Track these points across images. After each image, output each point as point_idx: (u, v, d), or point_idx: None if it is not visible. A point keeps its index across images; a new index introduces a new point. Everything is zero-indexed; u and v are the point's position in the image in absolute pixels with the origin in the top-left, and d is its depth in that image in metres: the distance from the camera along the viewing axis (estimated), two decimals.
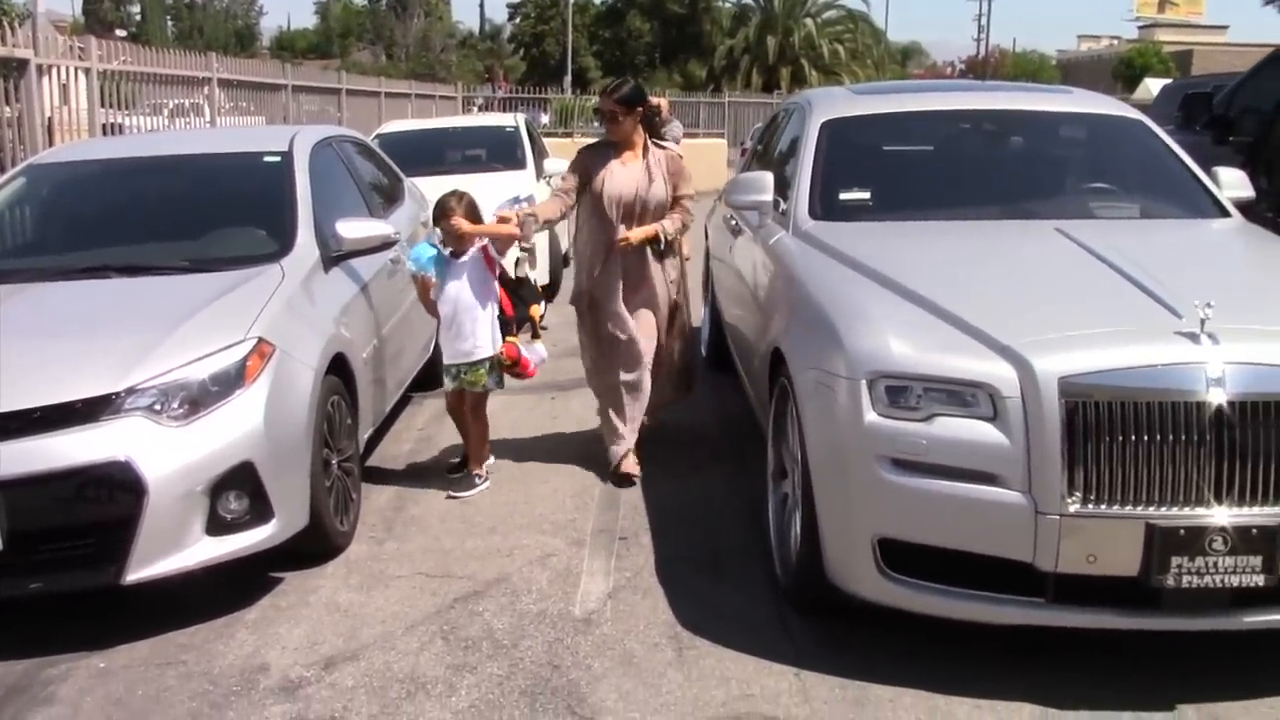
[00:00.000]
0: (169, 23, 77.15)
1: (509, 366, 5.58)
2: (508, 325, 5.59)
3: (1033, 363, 3.55)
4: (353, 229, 5.45)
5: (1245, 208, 5.43)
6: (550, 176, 11.42)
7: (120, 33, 54.78)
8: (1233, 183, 5.39)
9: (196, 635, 4.21)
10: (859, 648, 3.95)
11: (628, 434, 5.78)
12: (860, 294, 4.20)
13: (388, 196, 7.03)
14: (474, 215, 5.51)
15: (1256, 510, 3.46)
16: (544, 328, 5.31)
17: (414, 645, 4.10)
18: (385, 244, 5.65)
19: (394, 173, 7.52)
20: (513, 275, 6.14)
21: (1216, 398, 3.45)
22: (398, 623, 4.28)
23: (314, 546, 4.71)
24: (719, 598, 4.41)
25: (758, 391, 5.16)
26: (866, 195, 5.31)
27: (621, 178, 5.61)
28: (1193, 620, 3.59)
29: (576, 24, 59.43)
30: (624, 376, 5.74)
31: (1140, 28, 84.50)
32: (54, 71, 8.18)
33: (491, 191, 10.34)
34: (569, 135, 25.30)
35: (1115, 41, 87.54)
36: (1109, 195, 5.42)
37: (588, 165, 5.68)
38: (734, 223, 6.54)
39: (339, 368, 4.96)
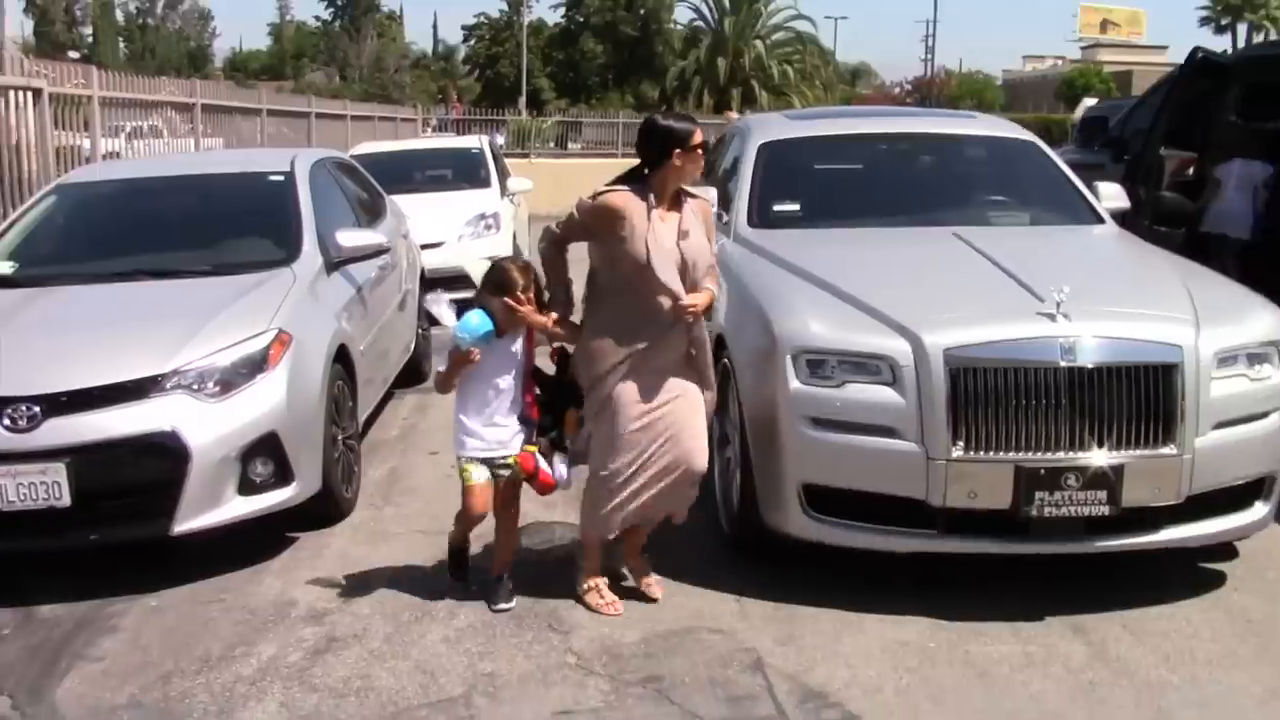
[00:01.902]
0: (121, 44, 77.23)
1: (526, 478, 4.63)
2: (530, 429, 4.64)
3: (923, 338, 4.41)
4: (350, 238, 6.24)
5: (1126, 216, 6.37)
6: (514, 194, 12.28)
7: (73, 54, 54.88)
8: (1110, 195, 6.32)
9: (231, 580, 4.96)
10: (791, 581, 4.75)
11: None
12: (788, 287, 5.05)
13: (373, 211, 7.81)
14: (539, 291, 4.61)
15: (1102, 454, 4.33)
16: (571, 440, 4.65)
17: (419, 584, 4.88)
18: (378, 251, 6.45)
19: (376, 190, 8.31)
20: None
21: (1069, 364, 4.32)
22: (402, 567, 5.06)
23: (324, 510, 5.47)
24: (673, 545, 5.18)
25: None
26: (797, 207, 6.17)
27: (664, 234, 4.41)
28: (1054, 545, 4.47)
29: (531, 46, 60.33)
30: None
31: (1083, 48, 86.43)
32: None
33: (459, 208, 11.24)
34: (525, 156, 26.14)
35: (1059, 62, 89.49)
36: (1003, 206, 6.33)
37: (624, 217, 4.38)
38: None
39: (342, 357, 5.74)
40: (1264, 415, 4.61)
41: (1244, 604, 4.62)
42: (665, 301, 4.38)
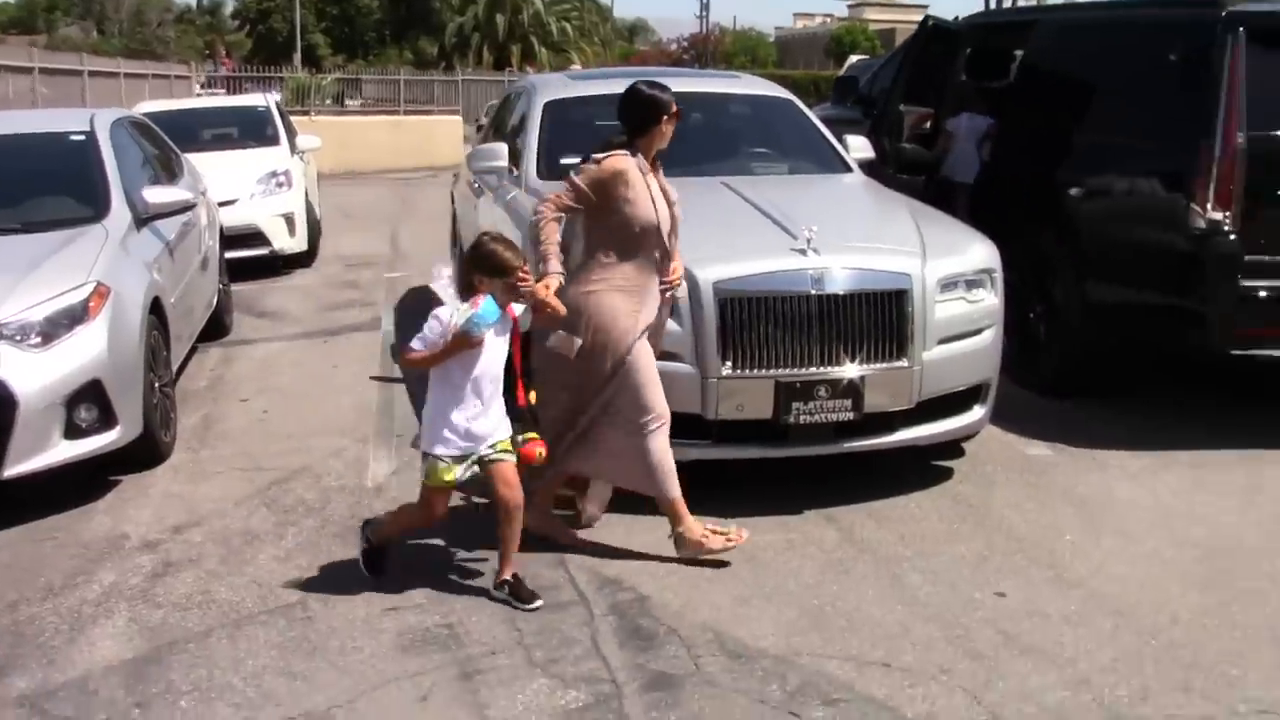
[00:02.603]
0: None
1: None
2: (520, 416, 4.51)
3: (696, 273, 5.05)
4: (158, 195, 6.50)
5: (872, 165, 7.20)
6: (303, 152, 12.45)
7: None
8: (857, 146, 7.13)
9: (62, 520, 5.25)
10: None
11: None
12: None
13: (170, 170, 8.00)
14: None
15: (847, 368, 5.08)
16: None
17: (243, 513, 5.29)
18: (185, 208, 6.71)
19: (172, 148, 8.47)
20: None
21: (818, 292, 5.05)
22: (226, 501, 5.44)
23: (145, 453, 5.77)
24: None
25: None
26: (580, 159, 6.71)
27: (658, 196, 4.70)
28: (809, 448, 5.22)
29: (304, 0, 58.85)
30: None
31: (850, 6, 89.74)
32: None
33: (249, 166, 11.36)
34: (306, 113, 25.87)
35: (828, 20, 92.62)
36: (765, 157, 7.06)
37: (629, 181, 4.62)
38: (476, 186, 7.86)
39: (156, 308, 6.03)
40: (979, 331, 5.47)
41: (966, 492, 5.50)
42: (657, 259, 4.71)
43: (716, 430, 5.14)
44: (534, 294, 4.44)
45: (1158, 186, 6.41)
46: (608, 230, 4.67)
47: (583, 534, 4.99)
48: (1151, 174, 6.43)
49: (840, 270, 5.11)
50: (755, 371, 5.06)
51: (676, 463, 4.95)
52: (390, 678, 3.86)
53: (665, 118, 4.77)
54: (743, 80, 7.68)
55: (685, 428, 5.09)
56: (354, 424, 6.53)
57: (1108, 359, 6.93)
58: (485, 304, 4.24)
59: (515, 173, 6.79)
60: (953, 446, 5.83)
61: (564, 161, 6.66)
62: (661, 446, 4.72)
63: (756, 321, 5.05)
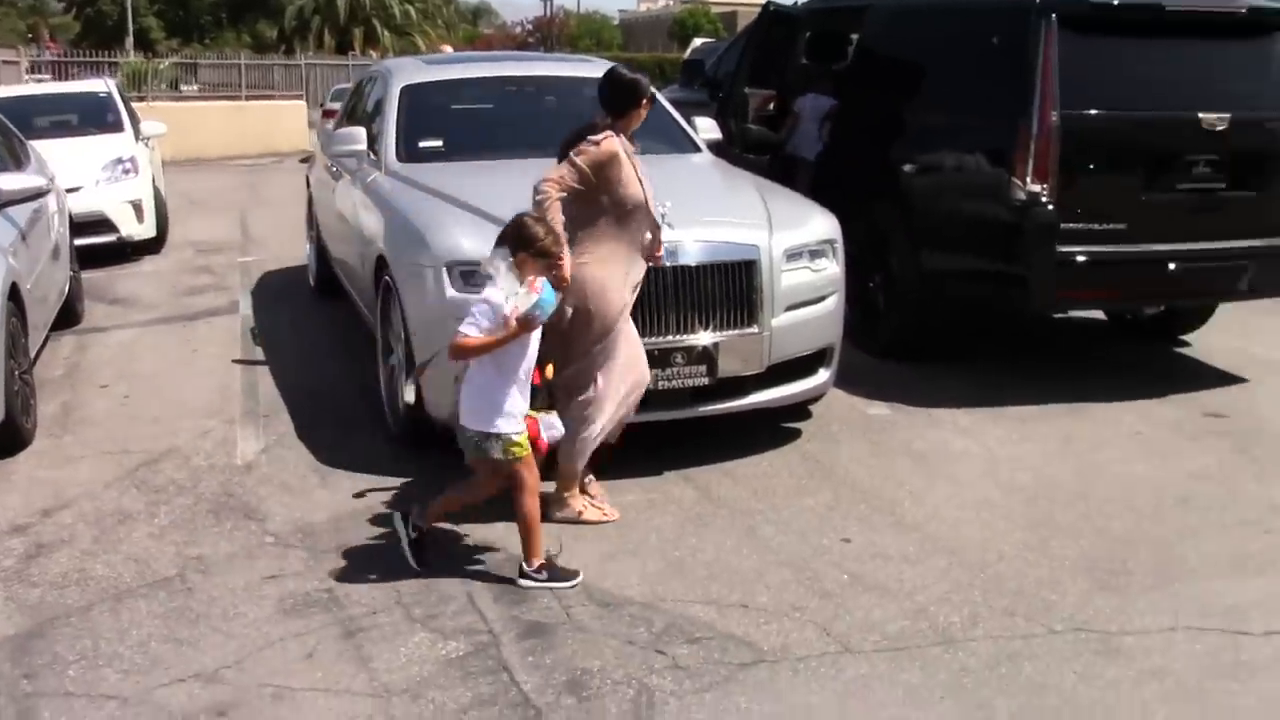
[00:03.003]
0: None
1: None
2: (536, 393, 4.52)
3: None
4: (10, 181, 6.45)
5: (720, 145, 7.53)
6: (148, 138, 12.25)
7: None
8: (705, 127, 7.46)
9: None
10: (457, 466, 5.50)
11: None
12: (439, 211, 5.80)
13: (17, 156, 7.88)
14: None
15: (701, 336, 5.39)
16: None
17: (114, 494, 5.34)
18: (39, 194, 6.66)
19: (16, 135, 8.32)
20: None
21: (674, 264, 5.33)
22: (95, 483, 5.48)
23: (8, 439, 5.76)
24: (349, 446, 5.90)
25: (365, 296, 6.64)
26: (439, 142, 6.91)
27: (643, 178, 4.97)
28: (668, 412, 5.50)
29: None
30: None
31: None
32: None
33: (93, 153, 11.16)
34: (142, 99, 25.16)
35: (671, 3, 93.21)
36: None
37: (622, 162, 4.86)
38: (334, 170, 7.94)
39: (14, 295, 6.00)
40: (823, 299, 5.83)
41: (813, 450, 5.87)
42: (646, 236, 4.95)
43: None
44: (566, 276, 4.58)
45: (982, 162, 6.89)
46: (600, 208, 4.86)
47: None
48: (976, 150, 6.91)
49: (692, 243, 5.40)
50: None
51: None
52: (275, 639, 4.02)
53: (644, 100, 5.00)
54: (592, 64, 7.92)
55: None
56: (219, 406, 6.59)
57: (942, 323, 7.42)
58: (546, 288, 4.27)
59: (374, 156, 6.91)
60: (800, 408, 6.20)
61: (422, 144, 6.85)
62: (627, 416, 5.02)
63: None
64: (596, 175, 4.82)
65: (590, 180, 4.81)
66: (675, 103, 8.02)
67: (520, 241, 4.34)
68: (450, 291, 5.31)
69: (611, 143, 4.85)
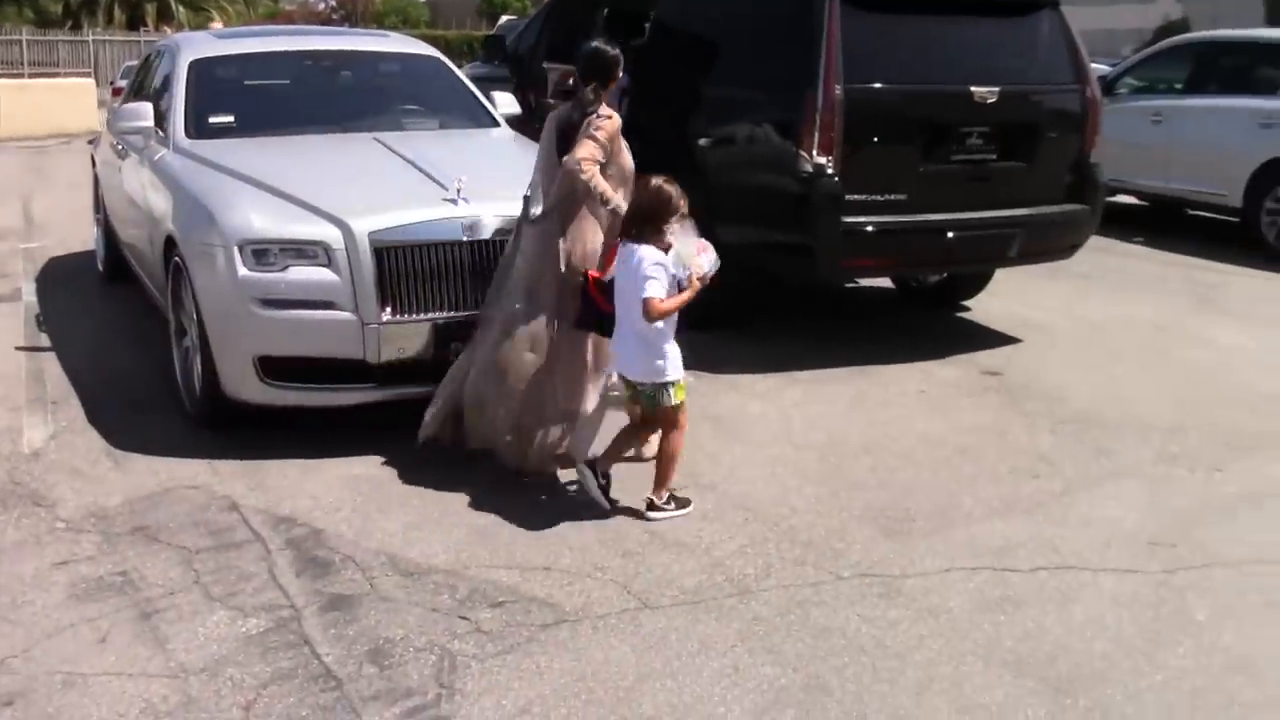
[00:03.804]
0: None
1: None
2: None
3: (351, 225, 5.27)
4: None
5: (520, 120, 7.58)
6: None
7: None
8: (504, 103, 7.51)
9: None
10: (257, 443, 5.47)
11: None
12: (230, 189, 5.70)
13: None
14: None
15: None
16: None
17: None
18: None
19: None
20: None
21: (470, 239, 5.38)
22: None
23: None
24: (143, 429, 5.74)
25: (155, 278, 6.46)
26: (231, 119, 6.76)
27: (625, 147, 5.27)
28: None
29: None
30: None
31: None
32: None
33: None
34: None
35: None
36: (416, 114, 7.32)
37: (620, 134, 5.17)
38: (120, 148, 7.67)
39: None
40: None
41: (618, 416, 5.99)
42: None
43: (380, 373, 5.38)
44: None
45: (772, 135, 7.11)
46: (607, 177, 5.05)
47: (254, 480, 5.14)
48: (766, 124, 7.13)
49: (490, 218, 5.45)
50: (414, 316, 5.34)
51: (342, 407, 5.17)
52: (66, 625, 3.92)
53: (621, 73, 5.33)
54: (392, 39, 7.89)
55: (350, 373, 5.34)
56: (3, 394, 6.33)
57: (740, 294, 7.63)
58: (708, 247, 4.75)
59: (162, 133, 6.72)
60: None
61: (213, 120, 6.70)
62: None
63: (413, 269, 5.32)
64: (613, 145, 5.10)
65: (609, 151, 5.06)
66: (477, 79, 8.06)
67: (669, 208, 4.70)
68: (242, 271, 5.25)
69: (616, 115, 5.13)
